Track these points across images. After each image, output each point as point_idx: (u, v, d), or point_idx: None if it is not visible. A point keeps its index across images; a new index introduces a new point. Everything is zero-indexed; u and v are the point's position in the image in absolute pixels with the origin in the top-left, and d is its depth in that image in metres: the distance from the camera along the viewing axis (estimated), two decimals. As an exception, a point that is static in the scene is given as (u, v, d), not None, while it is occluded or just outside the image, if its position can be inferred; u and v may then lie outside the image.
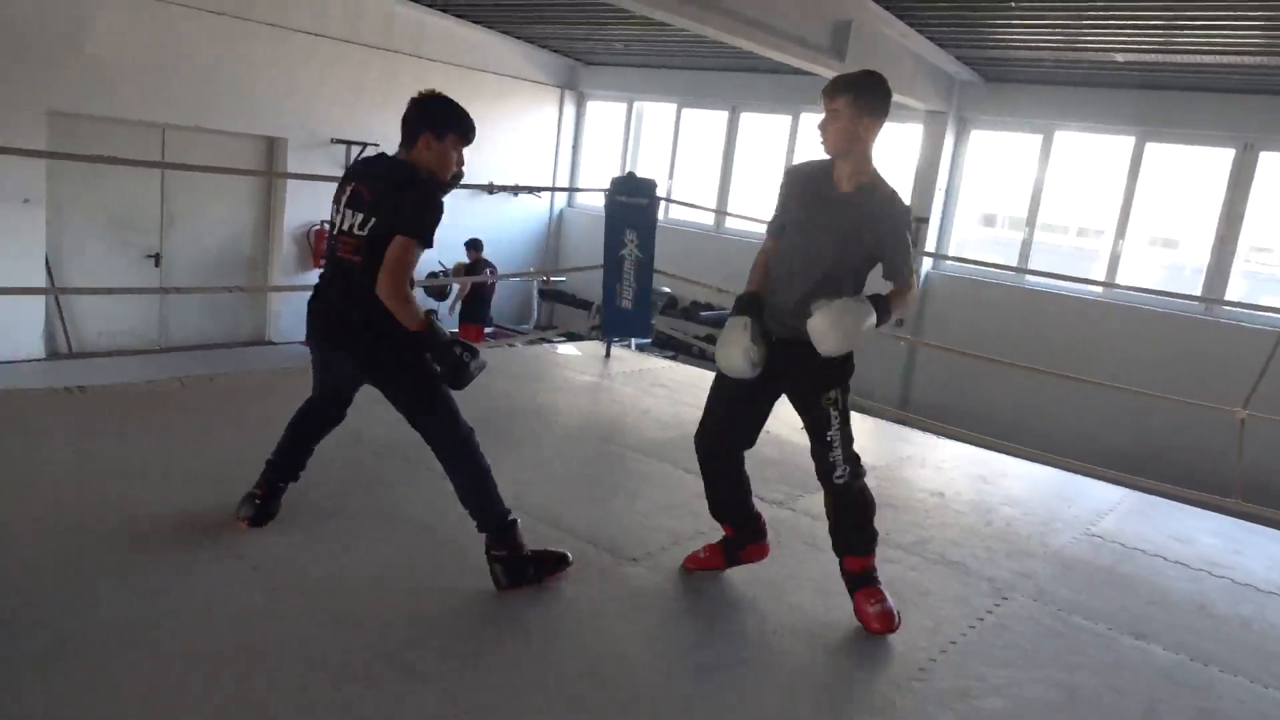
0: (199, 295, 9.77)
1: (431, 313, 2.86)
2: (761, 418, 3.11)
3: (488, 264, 10.34)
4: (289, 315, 10.67)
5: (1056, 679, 2.92)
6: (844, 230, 2.85)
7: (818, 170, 2.93)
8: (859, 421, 5.96)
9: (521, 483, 3.97)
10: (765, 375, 2.92)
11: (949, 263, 10.35)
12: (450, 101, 2.96)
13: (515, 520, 2.99)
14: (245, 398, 4.92)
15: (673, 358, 8.53)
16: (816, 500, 4.15)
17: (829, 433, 2.93)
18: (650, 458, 4.57)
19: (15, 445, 3.76)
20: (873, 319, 2.81)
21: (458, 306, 10.24)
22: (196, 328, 10.06)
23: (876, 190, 2.85)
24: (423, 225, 2.79)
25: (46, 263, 8.59)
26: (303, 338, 10.14)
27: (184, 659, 2.41)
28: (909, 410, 8.59)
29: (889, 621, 2.99)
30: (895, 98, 9.12)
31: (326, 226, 11.32)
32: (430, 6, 10.70)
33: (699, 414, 5.39)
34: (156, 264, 9.53)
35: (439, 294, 10.07)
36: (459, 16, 11.03)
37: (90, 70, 8.49)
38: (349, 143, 10.48)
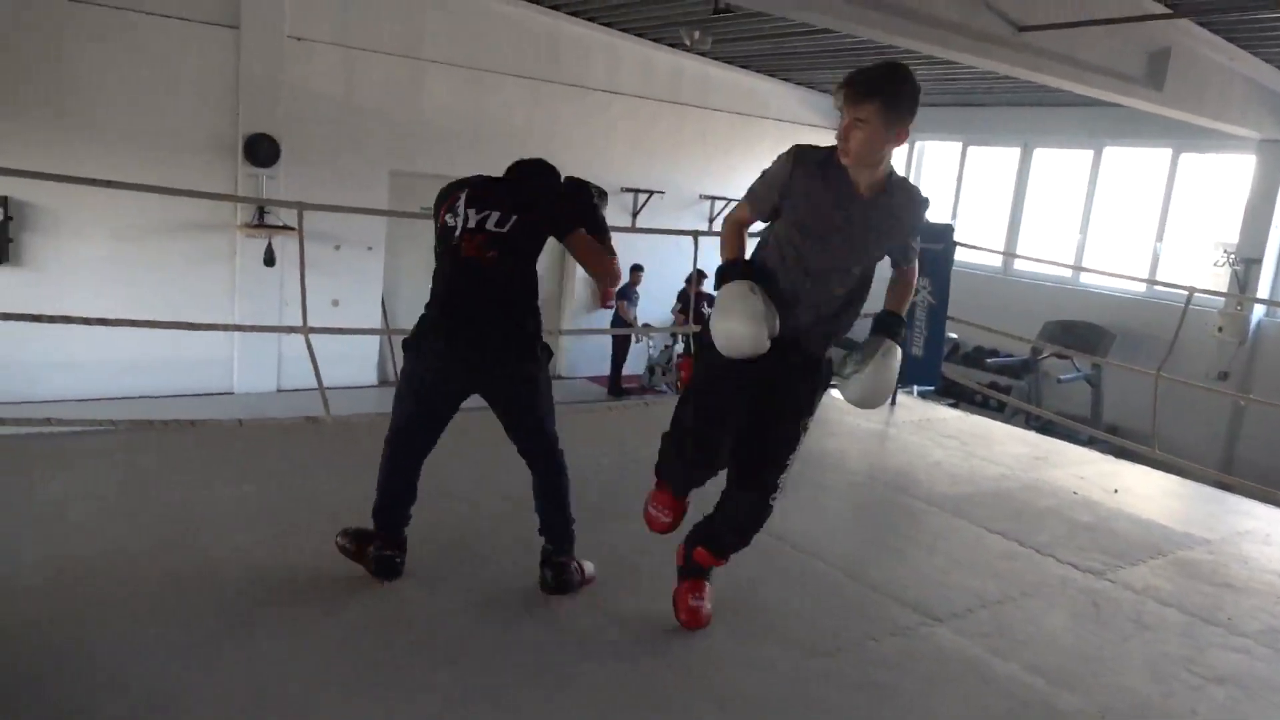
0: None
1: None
2: (737, 429, 2.69)
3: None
4: (575, 353, 11.44)
5: None
6: (866, 243, 2.55)
7: (830, 164, 2.47)
8: (1173, 483, 5.45)
9: (816, 531, 3.99)
10: (753, 374, 2.58)
11: (1287, 309, 9.11)
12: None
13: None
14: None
15: (954, 406, 8.17)
16: (1138, 572, 3.84)
17: (790, 455, 2.71)
18: (946, 512, 4.41)
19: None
20: (898, 356, 2.66)
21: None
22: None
23: (898, 190, 2.51)
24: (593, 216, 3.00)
25: (382, 303, 9.85)
26: (589, 374, 10.75)
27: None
28: (1234, 474, 7.60)
29: (697, 618, 2.92)
30: (1225, 127, 8.32)
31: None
32: (716, 59, 11.13)
33: (994, 468, 5.21)
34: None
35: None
36: (742, 67, 11.39)
37: (423, 134, 9.69)
38: (637, 190, 11.11)
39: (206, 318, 8.25)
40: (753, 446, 2.70)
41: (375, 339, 9.83)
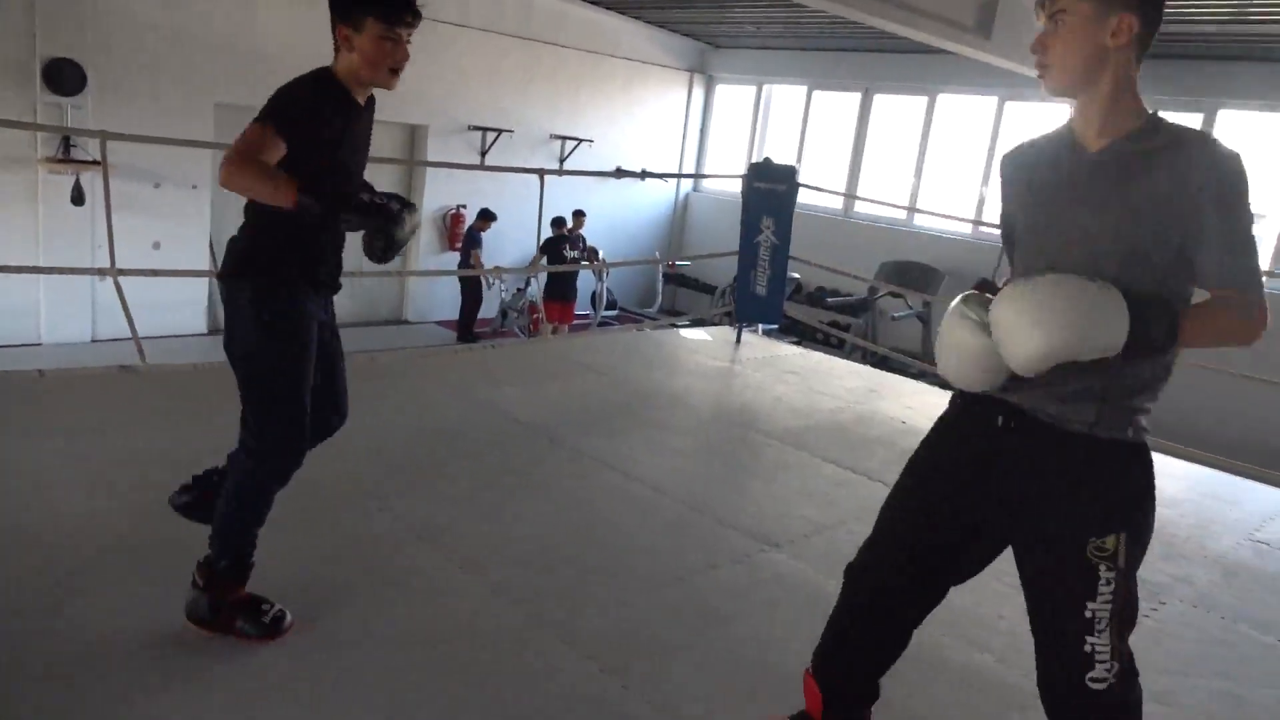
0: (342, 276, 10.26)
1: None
2: (956, 561, 1.93)
3: (567, 240, 10.41)
4: (423, 296, 11.13)
5: (1220, 688, 2.81)
6: (1111, 217, 1.62)
7: (1052, 141, 1.77)
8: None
9: (663, 468, 4.07)
10: (974, 494, 1.80)
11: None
12: None
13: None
14: (400, 374, 5.20)
15: (798, 343, 8.48)
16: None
17: (1091, 605, 1.66)
18: (787, 445, 4.58)
19: (209, 412, 4.09)
20: (1116, 321, 1.51)
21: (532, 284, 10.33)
22: (341, 307, 10.47)
23: (1158, 134, 1.62)
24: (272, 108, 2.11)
25: (210, 245, 9.23)
26: (436, 318, 10.49)
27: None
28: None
29: None
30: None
31: (463, 210, 11.71)
32: (565, -6, 10.89)
33: (832, 401, 5.45)
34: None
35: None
36: (593, 3, 11.18)
37: (253, 66, 9.03)
38: (485, 129, 10.81)
39: (6, 262, 7.50)
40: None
41: (204, 284, 9.22)
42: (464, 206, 10.89)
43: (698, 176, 13.34)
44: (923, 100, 11.13)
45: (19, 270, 6.34)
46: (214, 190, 9.18)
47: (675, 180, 13.29)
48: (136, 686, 2.20)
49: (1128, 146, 1.64)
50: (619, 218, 12.08)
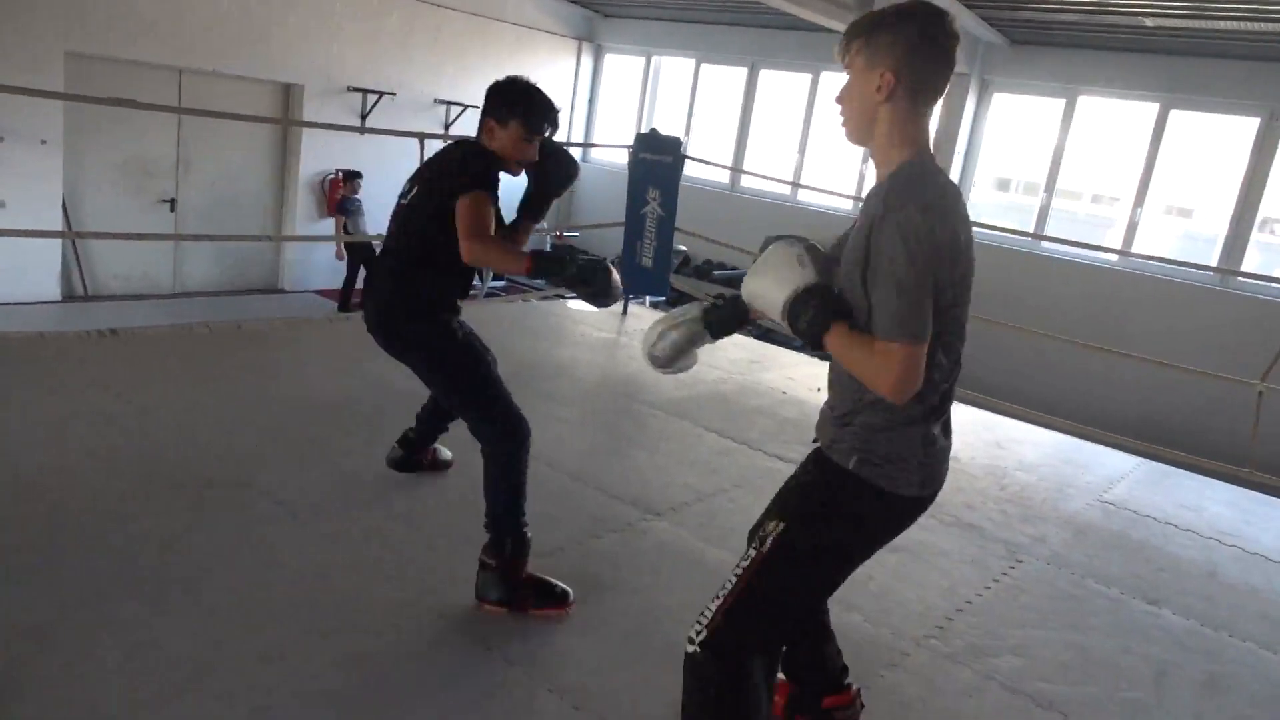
0: (213, 242, 9.76)
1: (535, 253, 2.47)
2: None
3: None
4: (300, 264, 10.69)
5: (1070, 640, 2.99)
6: (849, 266, 1.77)
7: None
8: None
9: (546, 438, 4.04)
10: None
11: (965, 227, 10.33)
12: (518, 85, 2.69)
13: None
14: (268, 344, 4.98)
15: (686, 316, 8.56)
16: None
17: (733, 573, 1.84)
18: (671, 415, 4.62)
19: (53, 387, 3.82)
20: (776, 292, 1.78)
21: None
22: (209, 274, 10.08)
23: (887, 183, 1.75)
24: (474, 175, 2.52)
25: (63, 205, 8.60)
26: (313, 287, 10.13)
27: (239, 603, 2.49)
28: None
29: None
30: None
31: (341, 175, 11.24)
32: (449, -47, 10.54)
33: (715, 372, 5.53)
34: (172, 209, 9.52)
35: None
36: (477, -36, 10.88)
37: (108, 12, 8.40)
38: (366, 91, 10.40)
39: None
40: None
41: (56, 246, 8.58)
42: (341, 170, 10.48)
43: (585, 146, 13.22)
44: (807, 78, 11.32)
45: None
46: (66, 145, 8.54)
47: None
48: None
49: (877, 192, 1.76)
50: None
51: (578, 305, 7.21)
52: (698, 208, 9.48)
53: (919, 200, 1.65)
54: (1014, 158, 10.71)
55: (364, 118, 10.59)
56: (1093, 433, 5.38)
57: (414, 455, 3.30)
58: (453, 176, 2.54)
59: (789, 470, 3.94)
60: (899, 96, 1.74)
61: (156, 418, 3.62)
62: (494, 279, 11.52)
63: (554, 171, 2.82)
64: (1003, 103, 10.25)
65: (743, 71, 11.86)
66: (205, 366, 4.39)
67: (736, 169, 11.27)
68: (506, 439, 2.63)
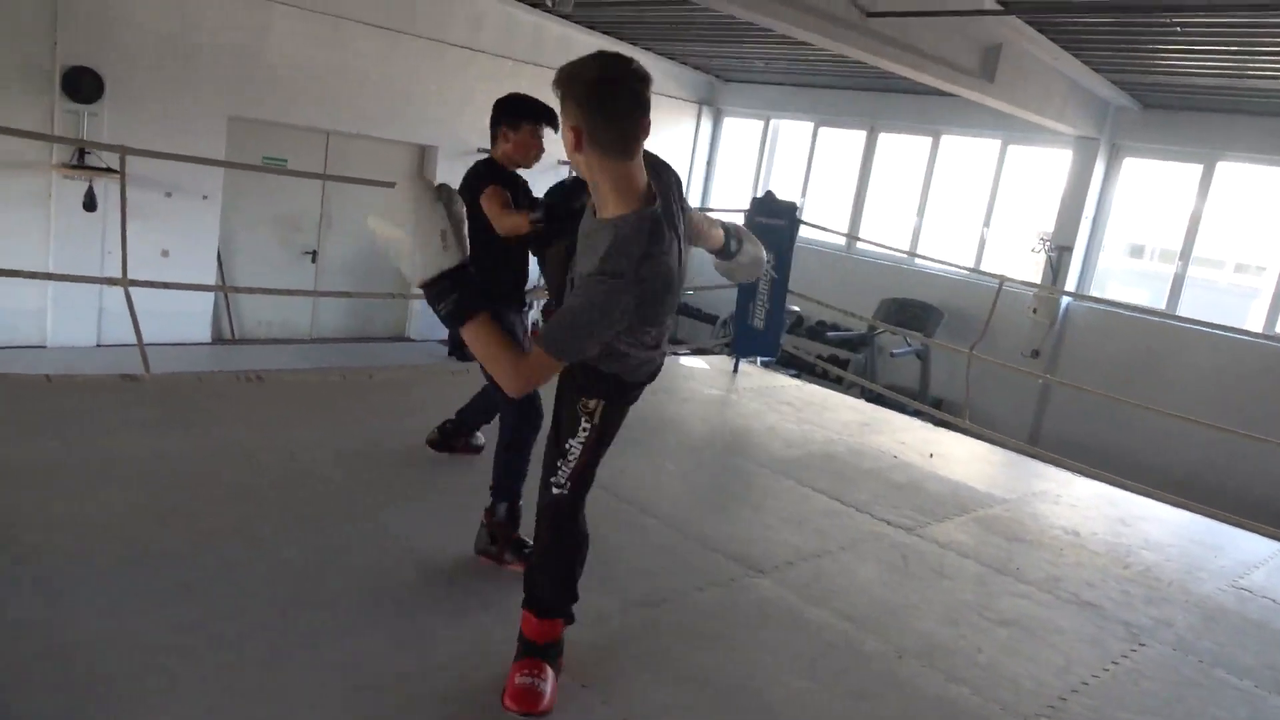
0: (342, 296, 10.36)
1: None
2: None
3: None
4: (426, 314, 11.20)
5: (1195, 731, 2.83)
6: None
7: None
8: (984, 449, 5.91)
9: (654, 491, 4.12)
10: None
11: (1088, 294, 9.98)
12: (519, 95, 3.31)
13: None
14: (397, 390, 5.25)
15: (796, 376, 8.53)
16: (944, 528, 4.16)
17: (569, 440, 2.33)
18: (777, 474, 4.63)
19: (207, 425, 4.15)
20: (411, 267, 2.03)
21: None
22: (343, 322, 10.69)
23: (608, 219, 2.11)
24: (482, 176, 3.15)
25: (218, 256, 9.33)
26: (437, 336, 10.57)
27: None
28: (1041, 444, 8.31)
29: (526, 700, 2.33)
30: (1046, 122, 8.65)
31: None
32: (578, 24, 11.05)
33: (824, 433, 5.50)
34: (313, 260, 10.19)
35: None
36: (605, 33, 11.35)
37: (266, 81, 9.17)
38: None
39: (18, 264, 7.55)
40: None
41: (210, 294, 9.30)
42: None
43: (704, 210, 13.45)
44: (927, 140, 11.26)
45: (33, 276, 6.42)
46: (225, 201, 9.29)
47: (680, 210, 13.41)
48: (132, 691, 2.24)
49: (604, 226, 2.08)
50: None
51: (688, 361, 7.31)
52: (812, 269, 9.52)
53: (621, 230, 2.04)
54: (1147, 224, 10.32)
55: (491, 177, 11.12)
56: (1228, 516, 5.07)
57: (448, 440, 3.89)
58: (470, 187, 3.12)
59: (897, 535, 3.93)
60: (597, 148, 2.02)
61: (297, 455, 3.87)
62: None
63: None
64: (1134, 168, 9.93)
65: (861, 134, 11.90)
66: (341, 410, 4.67)
67: (852, 235, 11.23)
68: (521, 421, 3.09)
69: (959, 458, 5.53)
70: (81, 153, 8.15)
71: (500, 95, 3.37)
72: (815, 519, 4.07)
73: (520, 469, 3.09)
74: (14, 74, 7.86)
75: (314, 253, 10.20)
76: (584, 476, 2.37)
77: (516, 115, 3.24)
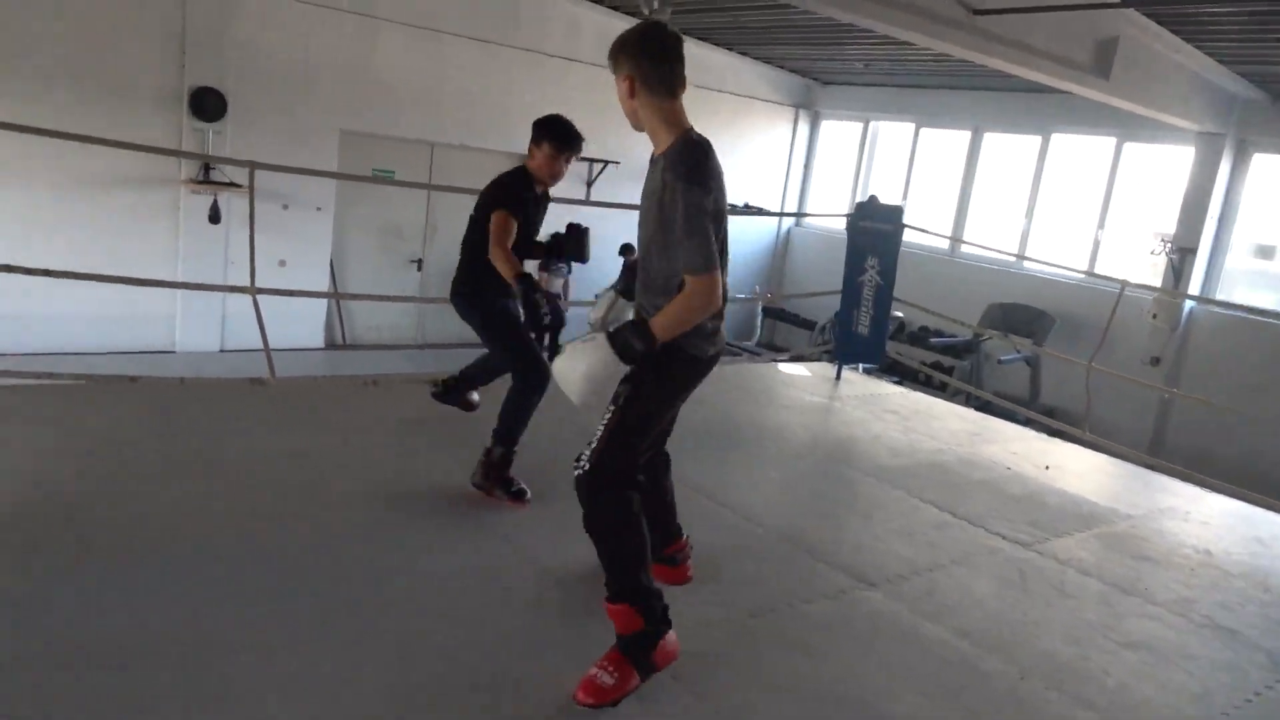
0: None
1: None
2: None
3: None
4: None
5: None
6: (643, 209, 2.51)
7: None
8: (1103, 461, 5.65)
9: (757, 498, 4.08)
10: None
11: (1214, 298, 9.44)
12: (549, 118, 3.56)
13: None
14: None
15: (898, 383, 8.35)
16: (1063, 544, 3.99)
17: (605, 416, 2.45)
18: (884, 483, 4.53)
19: (323, 426, 4.31)
20: (606, 359, 2.30)
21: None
22: (448, 328, 10.95)
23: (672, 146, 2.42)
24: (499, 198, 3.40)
25: (331, 265, 9.70)
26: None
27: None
28: (1163, 456, 7.89)
29: (591, 691, 2.36)
30: (1166, 118, 8.28)
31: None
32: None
33: (932, 443, 5.36)
34: (419, 268, 10.49)
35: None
36: (700, 39, 11.35)
37: (374, 96, 9.50)
38: (592, 160, 11.05)
39: (149, 274, 8.00)
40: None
41: (322, 301, 9.67)
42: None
43: (799, 215, 13.31)
44: (1036, 139, 10.87)
45: (168, 285, 6.80)
46: (336, 212, 9.65)
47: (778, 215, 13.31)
48: (258, 686, 2.33)
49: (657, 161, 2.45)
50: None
51: (788, 368, 7.24)
52: (915, 274, 9.29)
53: (683, 140, 2.40)
54: (1278, 223, 9.71)
55: (589, 185, 11.25)
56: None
57: (449, 395, 4.06)
58: (491, 197, 3.45)
59: (1013, 550, 3.80)
60: (647, 93, 2.43)
61: (410, 455, 3.99)
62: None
63: (567, 245, 3.70)
64: (1264, 164, 9.36)
65: (965, 135, 11.57)
66: (449, 414, 4.78)
67: (956, 238, 10.92)
68: (527, 375, 3.47)
69: (1076, 470, 5.30)
70: (207, 168, 8.60)
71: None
72: (926, 531, 3.96)
73: (522, 419, 3.49)
74: (147, 95, 8.35)
75: (419, 260, 10.50)
76: (607, 461, 2.42)
77: (540, 135, 3.49)
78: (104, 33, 8.08)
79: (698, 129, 2.48)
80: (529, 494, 3.54)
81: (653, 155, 2.49)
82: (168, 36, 8.37)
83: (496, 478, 3.52)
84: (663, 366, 2.42)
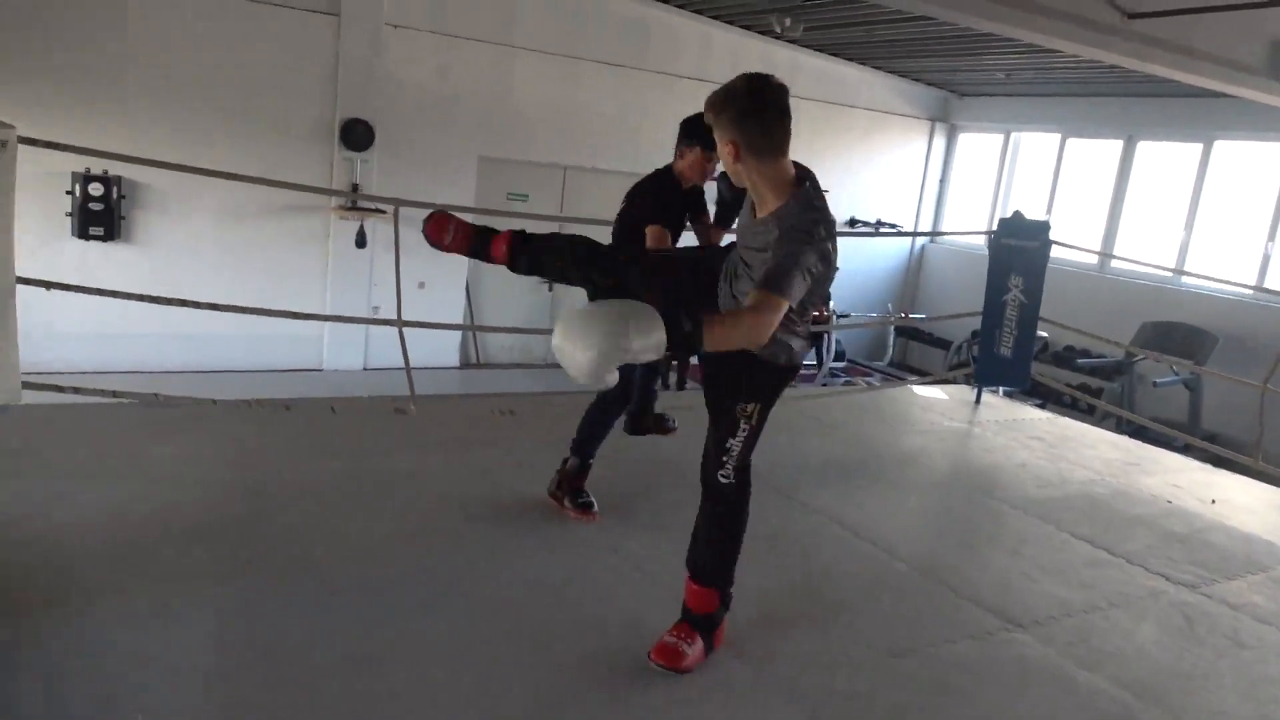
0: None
1: None
2: None
3: None
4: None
5: None
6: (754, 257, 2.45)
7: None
8: (1278, 495, 5.17)
9: (896, 530, 3.95)
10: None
11: None
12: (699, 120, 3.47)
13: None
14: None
15: (1041, 406, 7.94)
16: (1235, 587, 3.69)
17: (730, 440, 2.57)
18: (1032, 516, 4.30)
19: (453, 446, 4.45)
20: (652, 326, 1.99)
21: None
22: (538, 347, 11.18)
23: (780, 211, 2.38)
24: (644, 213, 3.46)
25: (466, 287, 10.04)
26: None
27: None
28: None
29: (668, 656, 2.59)
30: None
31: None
32: (806, 48, 10.97)
33: (1083, 472, 5.05)
34: (550, 289, 10.72)
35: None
36: (832, 54, 11.20)
37: (510, 122, 9.82)
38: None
39: (300, 295, 8.54)
40: None
41: (459, 321, 10.02)
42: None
43: (934, 234, 12.89)
44: (1197, 148, 10.17)
45: (319, 318, 7.24)
46: (472, 236, 9.99)
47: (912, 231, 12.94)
48: (412, 699, 2.41)
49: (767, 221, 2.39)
50: (851, 267, 11.81)
51: (924, 390, 6.99)
52: (1060, 291, 8.81)
53: (797, 202, 2.37)
54: None
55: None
56: None
57: (638, 427, 3.85)
58: (643, 207, 3.54)
59: (1178, 593, 3.54)
60: (751, 157, 2.35)
61: (529, 477, 4.06)
62: (834, 360, 11.51)
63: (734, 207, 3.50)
64: None
65: (1116, 144, 10.95)
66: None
67: (1106, 254, 10.31)
68: (612, 398, 3.51)
69: (1247, 505, 4.88)
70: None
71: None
72: (1079, 569, 3.73)
73: (600, 434, 3.61)
74: (305, 128, 8.91)
75: (550, 283, 10.74)
76: (745, 465, 2.61)
77: (693, 137, 3.48)
78: (267, 72, 8.67)
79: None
80: (595, 506, 3.61)
81: (755, 212, 2.43)
82: (323, 74, 8.90)
83: (570, 489, 3.64)
84: (771, 381, 2.56)
